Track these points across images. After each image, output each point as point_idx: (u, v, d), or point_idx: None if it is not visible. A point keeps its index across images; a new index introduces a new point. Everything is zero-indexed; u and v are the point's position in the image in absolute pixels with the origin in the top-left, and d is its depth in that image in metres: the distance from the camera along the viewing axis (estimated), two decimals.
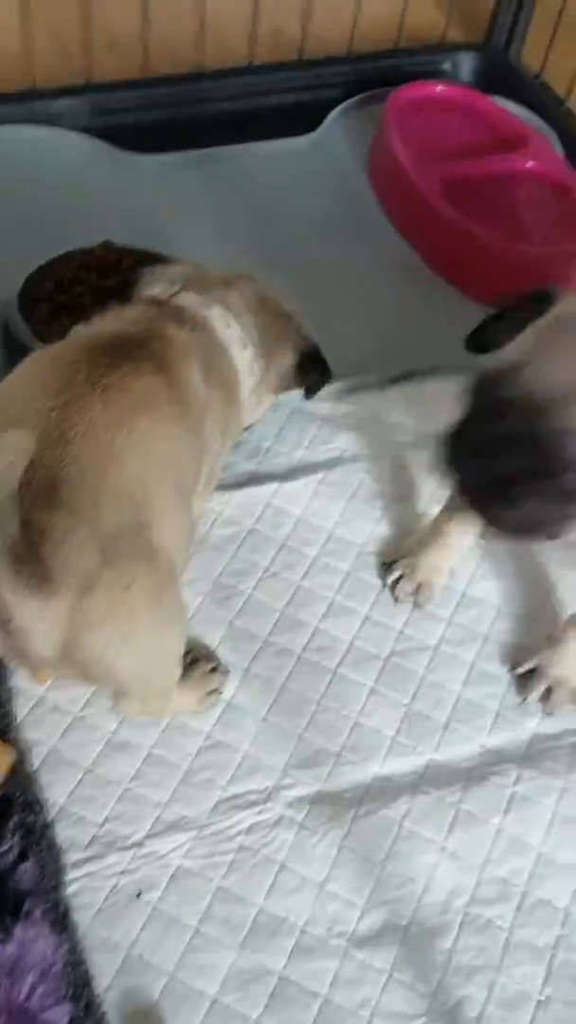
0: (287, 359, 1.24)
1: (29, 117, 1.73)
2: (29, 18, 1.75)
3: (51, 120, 1.74)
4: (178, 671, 1.06)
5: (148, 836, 1.06)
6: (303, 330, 1.25)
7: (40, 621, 0.87)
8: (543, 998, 1.01)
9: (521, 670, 1.21)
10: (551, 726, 1.19)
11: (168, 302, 1.13)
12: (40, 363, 1.00)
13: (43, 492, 0.87)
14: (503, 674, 1.23)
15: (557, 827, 1.11)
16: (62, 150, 1.71)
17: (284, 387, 1.28)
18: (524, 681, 1.21)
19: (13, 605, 0.86)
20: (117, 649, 0.92)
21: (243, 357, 1.17)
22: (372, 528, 1.34)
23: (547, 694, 1.19)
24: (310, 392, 1.31)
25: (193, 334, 1.10)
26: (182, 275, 1.18)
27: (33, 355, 1.03)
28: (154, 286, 1.16)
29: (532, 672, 1.21)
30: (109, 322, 1.09)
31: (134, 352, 1.01)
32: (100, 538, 0.88)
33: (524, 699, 1.19)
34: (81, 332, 1.09)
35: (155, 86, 1.83)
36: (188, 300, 1.14)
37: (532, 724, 1.19)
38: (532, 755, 1.16)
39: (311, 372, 1.27)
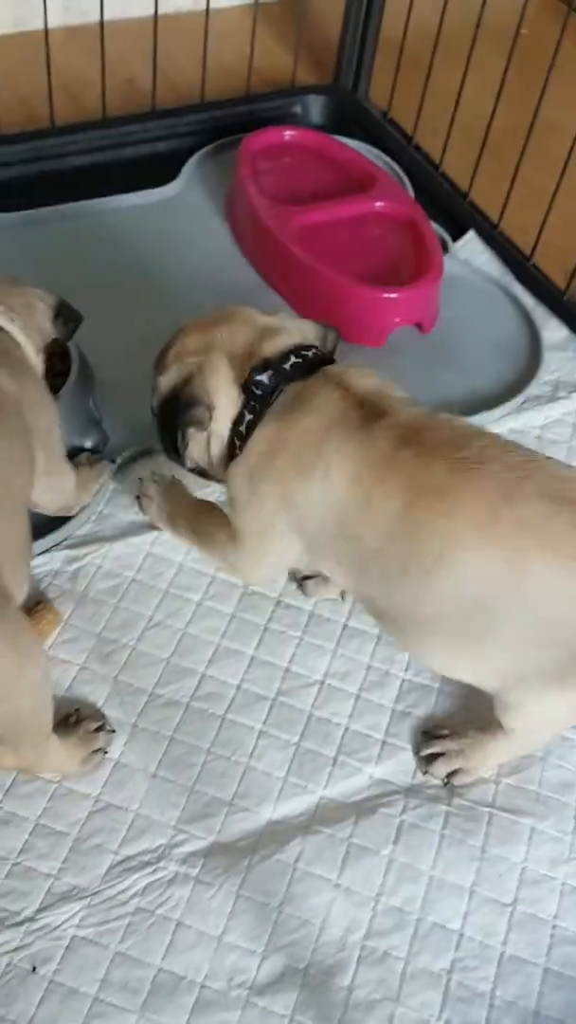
0: (46, 318, 1.26)
1: None
2: None
3: None
4: (48, 709, 1.03)
5: (40, 909, 1.05)
6: (40, 293, 1.27)
7: None
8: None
9: (424, 752, 1.20)
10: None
11: None
12: None
13: None
14: (387, 703, 1.26)
15: (445, 850, 1.14)
16: None
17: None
18: (427, 760, 1.20)
19: None
20: None
21: (21, 336, 1.19)
22: None
23: (450, 774, 1.19)
24: (70, 335, 1.30)
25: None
26: None
27: None
28: None
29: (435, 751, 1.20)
30: None
31: None
32: None
33: (425, 773, 1.19)
34: None
35: (10, 143, 1.84)
36: None
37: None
38: (417, 782, 1.19)
39: (67, 320, 1.28)
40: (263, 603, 1.33)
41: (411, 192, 1.86)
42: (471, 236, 1.84)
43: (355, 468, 1.05)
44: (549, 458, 1.08)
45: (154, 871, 1.09)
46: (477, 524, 1.00)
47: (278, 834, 1.13)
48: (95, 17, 1.80)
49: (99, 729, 1.17)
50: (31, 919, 1.04)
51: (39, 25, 1.76)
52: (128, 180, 1.82)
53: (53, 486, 1.22)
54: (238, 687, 1.25)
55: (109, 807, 1.13)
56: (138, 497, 1.36)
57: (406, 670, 1.29)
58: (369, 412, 1.08)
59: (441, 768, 1.19)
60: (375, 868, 1.12)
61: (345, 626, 1.33)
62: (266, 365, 1.13)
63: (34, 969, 1.01)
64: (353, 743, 1.22)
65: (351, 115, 2.04)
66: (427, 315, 1.65)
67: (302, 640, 1.31)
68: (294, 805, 1.16)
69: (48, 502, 1.24)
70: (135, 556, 1.36)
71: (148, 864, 1.09)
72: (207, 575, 1.35)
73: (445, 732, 1.21)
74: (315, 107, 2.05)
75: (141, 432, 1.37)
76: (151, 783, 1.16)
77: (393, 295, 1.61)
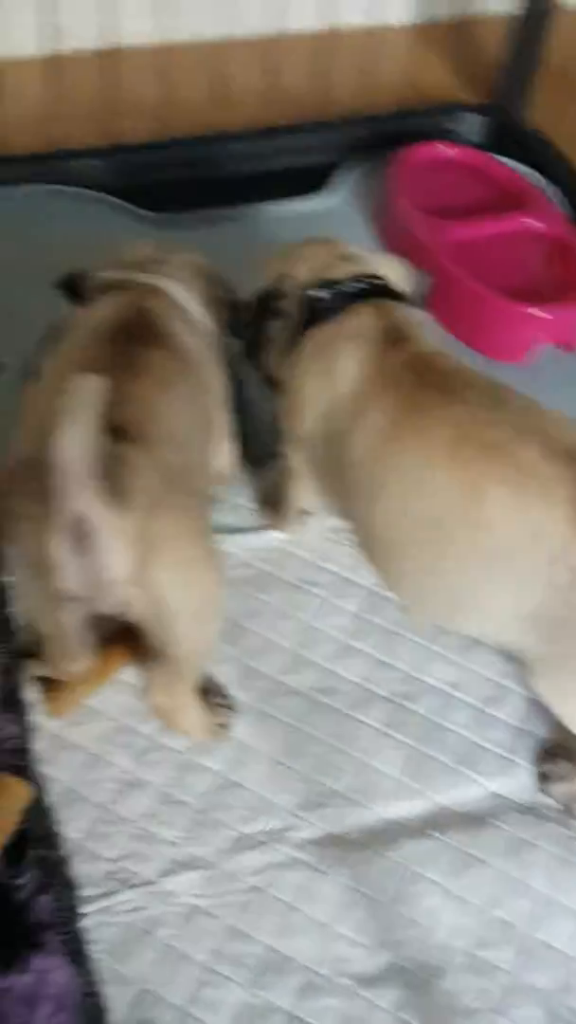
0: (223, 308, 1.36)
1: (53, 177, 1.81)
2: (55, 83, 1.85)
3: (73, 180, 1.82)
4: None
5: (161, 875, 1.10)
6: (227, 285, 1.38)
7: (116, 534, 0.96)
8: None
9: (542, 769, 1.20)
10: None
11: (130, 283, 1.24)
12: (76, 345, 1.13)
13: (117, 426, 0.98)
14: (508, 719, 1.26)
15: (557, 871, 1.13)
16: (83, 208, 1.78)
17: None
18: (545, 778, 1.20)
19: (96, 519, 0.95)
20: (180, 573, 1.01)
21: (198, 311, 1.29)
22: None
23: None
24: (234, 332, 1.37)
25: (165, 303, 1.21)
26: (126, 263, 1.29)
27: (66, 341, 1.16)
28: (105, 271, 1.27)
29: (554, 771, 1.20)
30: (103, 308, 1.18)
31: (141, 332, 1.13)
32: (162, 471, 1.00)
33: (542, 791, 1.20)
34: (86, 319, 1.18)
35: (172, 147, 1.92)
36: (144, 278, 1.25)
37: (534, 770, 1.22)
38: (535, 801, 1.19)
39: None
40: (386, 606, 1.35)
41: (565, 212, 1.85)
42: None
43: (360, 378, 1.14)
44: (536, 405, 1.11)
45: (270, 852, 1.12)
46: (447, 445, 1.06)
47: (391, 833, 1.15)
48: (258, 29, 1.86)
49: (224, 706, 1.22)
50: (151, 882, 1.09)
51: (206, 35, 1.83)
52: (283, 188, 1.87)
53: (220, 451, 1.30)
54: (358, 684, 1.28)
55: (230, 784, 1.17)
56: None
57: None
58: (392, 337, 1.16)
59: (559, 790, 1.18)
60: (486, 879, 1.12)
61: (468, 637, 1.34)
62: (329, 284, 1.21)
63: (152, 931, 1.06)
64: (472, 755, 1.23)
65: (507, 134, 2.05)
66: (573, 334, 1.65)
67: (424, 647, 1.32)
68: (409, 807, 1.18)
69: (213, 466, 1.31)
70: (266, 549, 1.40)
71: (264, 844, 1.13)
72: (332, 572, 1.38)
73: (565, 752, 1.20)
74: (471, 125, 2.06)
75: None
76: (270, 766, 1.19)
77: (537, 311, 1.61)
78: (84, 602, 1.02)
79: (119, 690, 1.22)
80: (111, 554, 0.97)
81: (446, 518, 1.06)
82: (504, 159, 1.92)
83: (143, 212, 1.80)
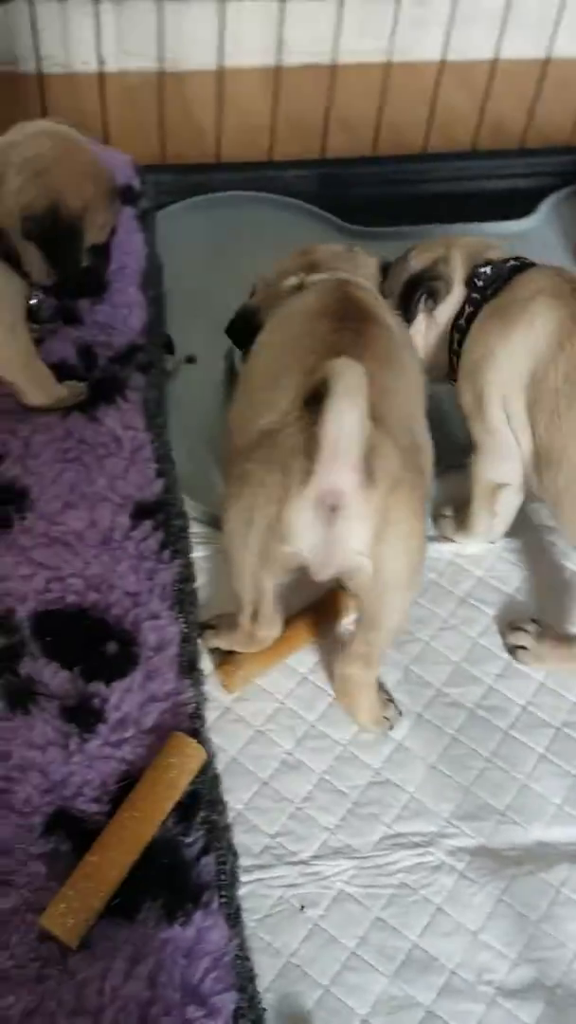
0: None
1: (266, 185, 1.89)
2: (278, 99, 1.93)
3: (281, 189, 1.90)
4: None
5: (314, 856, 1.13)
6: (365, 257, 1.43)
7: (365, 510, 1.02)
8: None
9: None
10: None
11: (337, 276, 1.27)
12: (296, 326, 1.17)
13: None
14: None
15: None
16: (287, 217, 1.86)
17: None
18: None
19: (351, 495, 1.01)
20: (405, 547, 1.06)
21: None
22: (554, 597, 1.39)
23: None
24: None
25: (362, 290, 1.24)
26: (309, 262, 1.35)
27: (276, 324, 1.22)
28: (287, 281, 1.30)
29: None
30: (306, 298, 1.22)
31: (357, 314, 1.16)
32: (400, 451, 1.05)
33: None
34: (297, 307, 1.21)
35: (382, 164, 1.97)
36: (341, 274, 1.28)
37: None
38: None
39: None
40: None
41: None
42: None
43: (558, 322, 1.23)
44: None
45: (422, 854, 1.14)
46: None
47: (546, 855, 1.15)
48: (473, 55, 1.89)
49: (389, 701, 1.25)
50: (305, 863, 1.13)
51: (421, 57, 1.87)
52: (487, 211, 1.90)
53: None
54: (524, 708, 1.28)
55: (387, 782, 1.20)
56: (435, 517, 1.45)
57: None
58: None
59: None
60: None
61: None
62: (488, 263, 1.34)
63: (302, 908, 1.10)
64: None
65: None
66: None
67: None
68: (566, 832, 1.17)
69: None
70: (438, 561, 1.42)
71: (417, 845, 1.15)
72: (504, 593, 1.39)
73: None
74: None
75: None
76: (428, 772, 1.21)
77: None
78: (305, 568, 1.07)
79: (287, 675, 1.27)
80: (357, 527, 1.03)
81: None
82: None
83: (345, 224, 1.86)
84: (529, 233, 1.88)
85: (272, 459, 1.03)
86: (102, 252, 1.34)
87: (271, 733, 1.23)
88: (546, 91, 2.04)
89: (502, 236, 1.86)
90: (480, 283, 1.33)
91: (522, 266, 1.34)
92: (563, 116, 2.06)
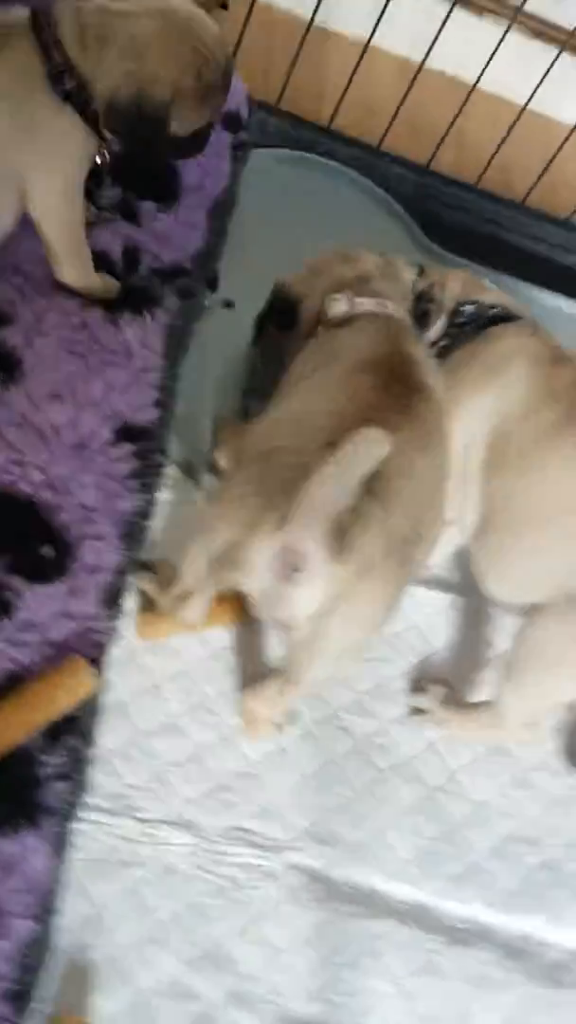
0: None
1: (365, 169, 1.85)
2: (409, 94, 1.90)
3: (381, 180, 1.85)
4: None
5: (161, 820, 1.13)
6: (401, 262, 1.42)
7: (321, 579, 0.99)
8: None
9: None
10: None
11: (387, 312, 1.24)
12: (340, 367, 1.14)
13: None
14: (531, 855, 1.25)
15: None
16: (375, 209, 1.83)
17: None
18: None
19: (313, 564, 0.98)
20: (353, 628, 1.04)
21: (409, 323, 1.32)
22: (473, 663, 1.39)
23: None
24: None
25: (414, 342, 1.22)
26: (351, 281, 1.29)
27: (322, 356, 1.19)
28: (335, 303, 1.25)
29: None
30: (361, 342, 1.18)
31: (406, 380, 1.13)
32: (388, 536, 1.00)
33: None
34: (346, 347, 1.18)
35: (481, 197, 1.95)
36: (380, 307, 1.25)
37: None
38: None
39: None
40: None
41: None
42: None
43: (536, 383, 1.26)
44: None
45: (262, 857, 1.14)
46: None
47: (375, 904, 1.16)
48: None
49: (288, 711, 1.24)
50: (150, 823, 1.12)
51: (557, 114, 1.85)
52: (561, 283, 1.89)
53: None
54: (408, 758, 1.28)
55: (256, 777, 1.19)
56: None
57: None
58: (558, 356, 1.30)
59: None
60: (437, 992, 1.12)
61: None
62: (474, 303, 1.35)
63: (128, 866, 1.08)
64: (477, 876, 1.22)
65: None
66: None
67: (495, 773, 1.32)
68: (403, 890, 1.18)
69: None
70: None
71: (261, 848, 1.15)
72: (432, 645, 1.39)
73: None
74: None
75: None
76: (299, 783, 1.21)
77: None
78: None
79: (202, 644, 1.25)
80: (308, 594, 1.00)
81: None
82: None
83: (424, 239, 1.84)
84: None
85: (264, 486, 1.00)
86: (184, 150, 1.29)
87: (166, 691, 1.21)
88: None
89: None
90: (461, 320, 1.35)
91: (504, 316, 1.35)
92: None
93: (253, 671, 1.24)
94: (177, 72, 1.16)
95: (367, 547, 0.99)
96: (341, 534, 0.97)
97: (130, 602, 1.22)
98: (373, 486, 0.99)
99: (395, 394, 1.09)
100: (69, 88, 1.13)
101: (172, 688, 1.21)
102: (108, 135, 1.20)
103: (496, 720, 1.27)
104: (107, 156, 1.24)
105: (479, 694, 1.34)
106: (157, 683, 1.21)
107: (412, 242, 1.82)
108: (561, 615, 1.21)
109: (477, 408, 1.27)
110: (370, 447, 0.93)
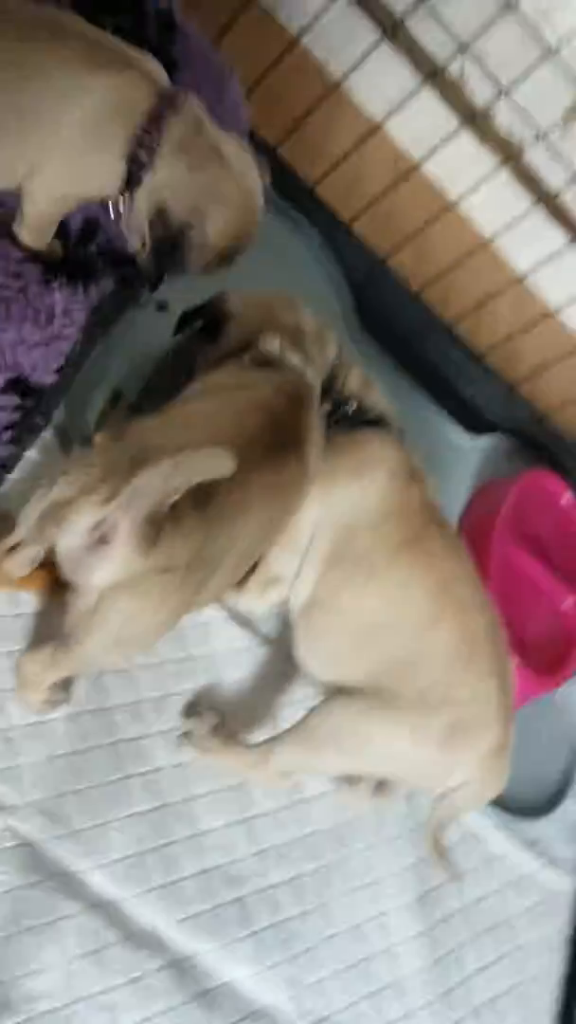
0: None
1: (330, 237, 1.97)
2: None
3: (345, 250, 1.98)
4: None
5: None
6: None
7: (120, 560, 1.05)
8: None
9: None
10: None
11: (303, 380, 1.32)
12: (230, 403, 1.22)
13: (207, 492, 1.07)
14: (229, 891, 1.36)
15: None
16: (324, 275, 1.96)
17: None
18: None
19: (119, 544, 1.04)
20: (131, 619, 1.10)
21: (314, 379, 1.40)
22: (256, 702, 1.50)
23: None
24: None
25: (314, 408, 1.32)
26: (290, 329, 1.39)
27: (228, 380, 1.27)
28: (271, 342, 1.34)
29: None
30: (267, 387, 1.25)
31: (288, 436, 1.22)
32: (196, 553, 1.09)
33: None
34: (254, 382, 1.26)
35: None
36: (301, 365, 1.34)
37: None
38: None
39: None
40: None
41: None
42: None
43: (389, 496, 1.35)
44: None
45: None
46: (436, 582, 1.32)
47: (73, 888, 1.24)
48: None
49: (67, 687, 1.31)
50: None
51: None
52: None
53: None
54: (159, 768, 1.37)
55: (10, 741, 1.25)
56: None
57: None
58: (416, 475, 1.40)
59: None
60: None
61: None
62: (358, 402, 1.43)
63: None
64: None
65: None
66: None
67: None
68: (107, 889, 1.27)
69: None
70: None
71: None
72: (221, 675, 1.49)
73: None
74: None
75: None
76: (46, 760, 1.27)
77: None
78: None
79: (11, 601, 1.31)
80: (103, 569, 1.06)
81: (403, 622, 1.31)
82: None
83: (353, 319, 1.97)
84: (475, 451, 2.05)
85: (113, 464, 1.05)
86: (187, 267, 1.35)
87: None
88: None
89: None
90: (343, 413, 1.42)
91: (377, 422, 1.44)
92: None
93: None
94: (220, 232, 1.28)
95: (173, 552, 1.07)
96: (156, 530, 1.04)
97: None
98: (206, 505, 1.09)
99: (274, 442, 1.19)
100: (140, 156, 1.21)
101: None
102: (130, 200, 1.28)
103: (258, 761, 1.37)
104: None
105: (250, 735, 1.45)
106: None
107: (344, 320, 1.94)
108: (346, 703, 1.32)
109: (333, 501, 1.35)
110: (212, 463, 1.02)
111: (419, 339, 2.07)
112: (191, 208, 1.25)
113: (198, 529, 1.09)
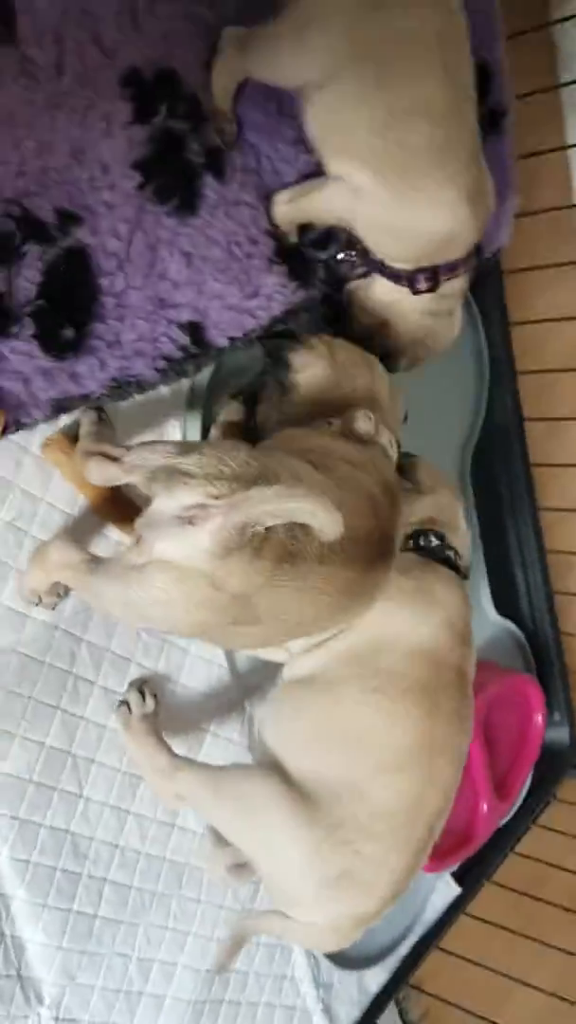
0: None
1: None
2: None
3: None
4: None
5: None
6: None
7: (187, 551, 1.05)
8: None
9: None
10: None
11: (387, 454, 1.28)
12: (331, 477, 1.16)
13: (292, 548, 1.07)
14: None
15: None
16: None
17: None
18: None
19: (204, 535, 1.04)
20: (152, 602, 1.09)
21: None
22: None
23: None
24: None
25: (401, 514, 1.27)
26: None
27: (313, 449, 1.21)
28: (365, 422, 1.26)
29: None
30: (369, 471, 1.21)
31: (386, 546, 1.20)
32: (251, 585, 1.07)
33: None
34: (341, 457, 1.21)
35: None
36: (391, 452, 1.30)
37: None
38: None
39: None
40: None
41: None
42: None
43: (432, 641, 1.29)
44: None
45: None
46: (429, 744, 1.27)
47: None
48: None
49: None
50: None
51: None
52: None
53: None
54: (90, 759, 1.38)
55: None
56: None
57: None
58: (465, 637, 1.33)
59: None
60: None
61: None
62: (440, 537, 1.38)
63: None
64: None
65: None
66: None
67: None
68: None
69: None
70: None
71: None
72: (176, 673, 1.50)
73: None
74: None
75: None
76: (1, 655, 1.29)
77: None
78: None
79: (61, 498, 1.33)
80: (172, 544, 1.06)
81: (373, 752, 1.25)
82: None
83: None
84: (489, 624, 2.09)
85: (242, 465, 1.06)
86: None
87: None
88: None
89: None
90: (421, 543, 1.38)
91: (454, 565, 1.38)
92: None
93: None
94: (415, 360, 1.42)
95: (233, 574, 1.04)
96: (237, 547, 1.04)
97: (66, 420, 1.28)
98: (288, 561, 1.07)
99: (370, 541, 1.16)
100: (418, 280, 1.35)
101: None
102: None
103: (164, 770, 1.35)
104: None
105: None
106: None
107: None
108: (271, 782, 1.25)
109: (380, 612, 1.27)
110: (325, 516, 1.01)
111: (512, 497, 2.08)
112: (410, 339, 1.39)
113: (264, 575, 1.06)
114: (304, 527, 1.06)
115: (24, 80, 1.18)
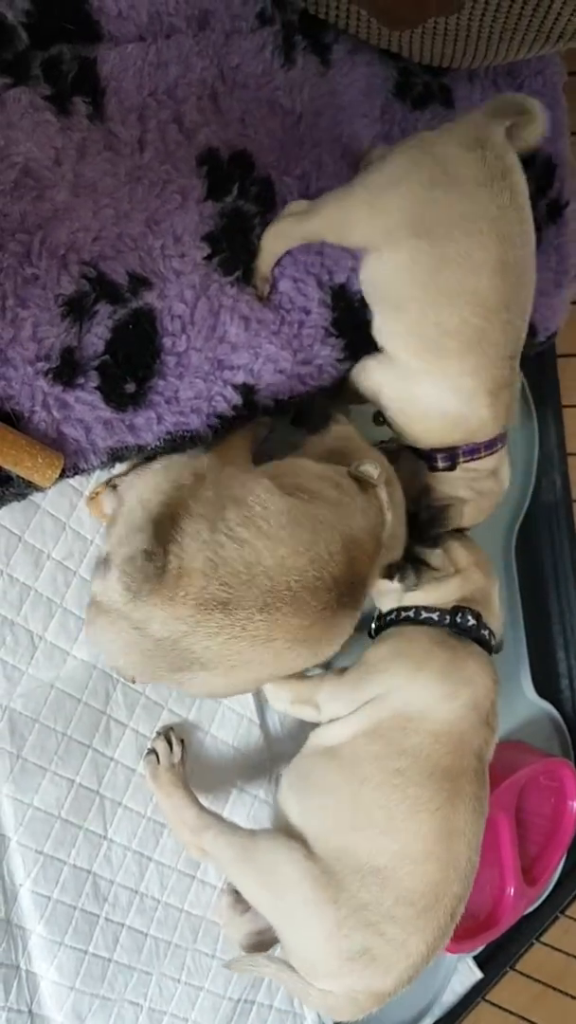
0: None
1: None
2: None
3: None
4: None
5: None
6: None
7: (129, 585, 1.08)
8: None
9: None
10: None
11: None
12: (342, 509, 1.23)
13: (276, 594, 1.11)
14: None
15: None
16: None
17: None
18: None
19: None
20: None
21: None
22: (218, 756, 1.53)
23: None
24: None
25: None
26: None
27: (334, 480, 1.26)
28: (373, 469, 1.29)
29: None
30: (364, 512, 1.24)
31: (353, 590, 1.21)
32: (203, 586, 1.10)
33: None
34: (363, 511, 1.24)
35: None
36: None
37: None
38: None
39: None
40: None
41: None
42: None
43: (458, 722, 1.29)
44: None
45: None
46: (439, 823, 1.25)
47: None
48: None
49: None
50: None
51: None
52: None
53: None
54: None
55: None
56: None
57: None
58: (491, 720, 1.33)
59: None
60: None
61: None
62: (477, 616, 1.39)
63: None
64: None
65: None
66: None
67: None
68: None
69: None
70: None
71: None
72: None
73: None
74: None
75: None
76: (37, 687, 1.33)
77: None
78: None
79: None
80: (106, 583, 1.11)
81: (397, 835, 1.24)
82: None
83: None
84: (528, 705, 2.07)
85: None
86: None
87: None
88: None
89: None
90: (457, 619, 1.38)
91: (489, 645, 1.40)
92: None
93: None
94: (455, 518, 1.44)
95: (154, 619, 1.07)
96: (138, 584, 1.05)
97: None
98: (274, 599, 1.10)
99: (349, 582, 1.18)
100: (458, 452, 1.39)
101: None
102: None
103: (193, 827, 1.36)
104: None
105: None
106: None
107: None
108: (296, 857, 1.25)
109: (411, 686, 1.29)
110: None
111: (557, 578, 2.09)
112: (450, 501, 1.42)
113: (186, 621, 1.07)
114: (243, 573, 1.09)
115: (108, 154, 1.28)
